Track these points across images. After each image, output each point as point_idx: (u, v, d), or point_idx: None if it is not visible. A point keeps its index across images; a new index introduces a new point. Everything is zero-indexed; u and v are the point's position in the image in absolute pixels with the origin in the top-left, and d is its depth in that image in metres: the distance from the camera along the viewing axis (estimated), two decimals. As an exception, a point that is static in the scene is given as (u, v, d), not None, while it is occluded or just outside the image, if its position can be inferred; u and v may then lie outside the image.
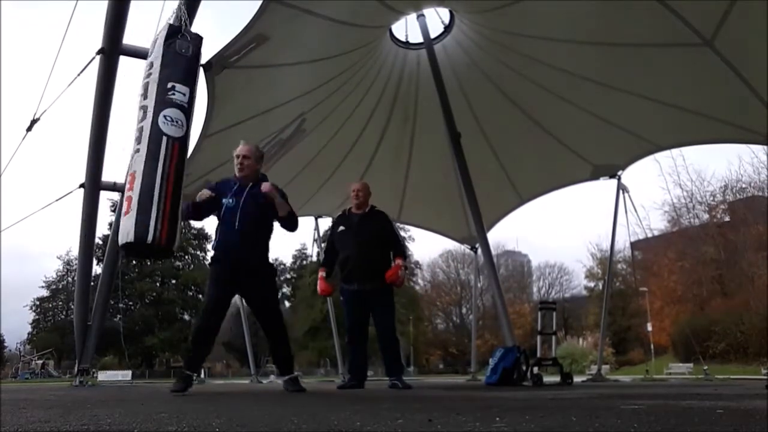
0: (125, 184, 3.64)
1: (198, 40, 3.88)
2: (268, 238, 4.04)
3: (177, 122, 3.60)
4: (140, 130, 3.59)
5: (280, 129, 7.12)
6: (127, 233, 3.45)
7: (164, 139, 3.54)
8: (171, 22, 3.92)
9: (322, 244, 7.97)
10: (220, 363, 46.07)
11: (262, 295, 4.00)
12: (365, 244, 4.74)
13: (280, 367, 4.10)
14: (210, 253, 4.34)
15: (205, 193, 3.85)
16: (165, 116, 3.57)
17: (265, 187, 3.86)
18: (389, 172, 8.77)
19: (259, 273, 3.92)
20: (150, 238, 3.41)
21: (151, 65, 3.74)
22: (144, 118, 3.60)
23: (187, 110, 3.69)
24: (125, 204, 3.53)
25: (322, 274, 5.02)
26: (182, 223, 3.75)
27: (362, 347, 4.93)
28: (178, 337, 41.50)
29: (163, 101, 3.60)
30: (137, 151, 3.57)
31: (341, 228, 4.98)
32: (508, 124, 7.79)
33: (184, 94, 3.68)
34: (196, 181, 7.10)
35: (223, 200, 3.86)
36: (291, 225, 4.08)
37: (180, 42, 3.76)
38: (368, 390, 4.54)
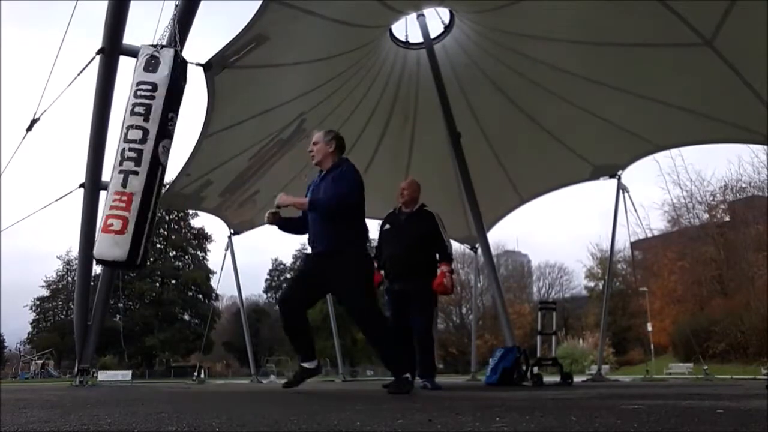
0: (111, 198, 3.77)
1: (185, 65, 4.10)
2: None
3: (167, 151, 3.89)
4: (139, 152, 3.77)
5: (280, 129, 7.12)
6: (119, 252, 3.67)
7: (159, 168, 3.82)
8: (164, 43, 4.08)
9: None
10: (220, 363, 46.08)
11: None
12: (409, 245, 4.67)
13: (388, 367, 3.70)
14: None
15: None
16: (163, 146, 3.83)
17: (280, 199, 3.69)
18: (389, 172, 8.76)
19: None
20: (139, 260, 3.73)
21: (154, 87, 3.86)
22: (144, 141, 3.78)
23: (173, 134, 3.96)
24: (118, 222, 3.68)
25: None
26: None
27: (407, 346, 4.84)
28: (178, 338, 41.52)
29: (163, 132, 3.84)
30: (135, 173, 3.74)
31: (387, 226, 4.92)
32: (508, 124, 7.79)
33: (174, 122, 3.93)
34: (196, 180, 7.12)
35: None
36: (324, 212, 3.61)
37: (176, 70, 3.96)
38: (368, 390, 4.53)
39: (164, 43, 4.06)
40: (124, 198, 3.71)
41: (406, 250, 4.68)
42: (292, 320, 3.67)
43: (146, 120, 3.81)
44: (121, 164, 3.78)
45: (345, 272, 3.53)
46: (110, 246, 3.70)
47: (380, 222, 5.14)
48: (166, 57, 3.93)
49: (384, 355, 3.74)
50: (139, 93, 3.86)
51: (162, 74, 3.89)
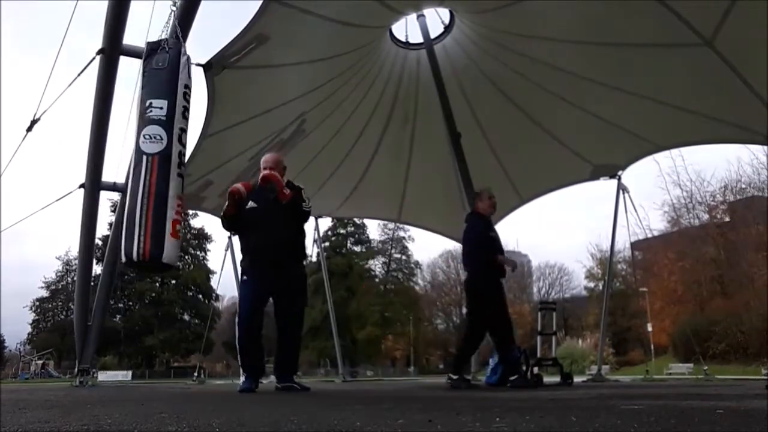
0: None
1: (177, 47, 3.95)
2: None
3: (155, 138, 3.73)
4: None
5: (280, 129, 7.12)
6: (122, 253, 3.70)
7: (144, 157, 3.70)
8: (152, 39, 4.04)
9: (323, 244, 7.98)
10: (220, 363, 46.08)
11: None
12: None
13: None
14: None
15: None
16: (144, 135, 3.73)
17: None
18: (389, 172, 8.77)
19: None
20: (135, 255, 3.59)
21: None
22: (135, 141, 3.79)
23: (166, 122, 3.77)
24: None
25: None
26: (180, 236, 3.93)
27: None
28: (178, 338, 41.55)
29: (142, 121, 3.75)
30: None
31: None
32: (508, 124, 7.78)
33: (161, 108, 3.77)
34: (196, 180, 7.12)
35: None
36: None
37: (157, 57, 3.87)
38: (368, 390, 4.54)
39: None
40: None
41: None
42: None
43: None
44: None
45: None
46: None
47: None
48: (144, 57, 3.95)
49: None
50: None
51: (140, 75, 3.91)
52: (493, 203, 5.39)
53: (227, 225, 4.34)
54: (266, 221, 3.99)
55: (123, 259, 3.69)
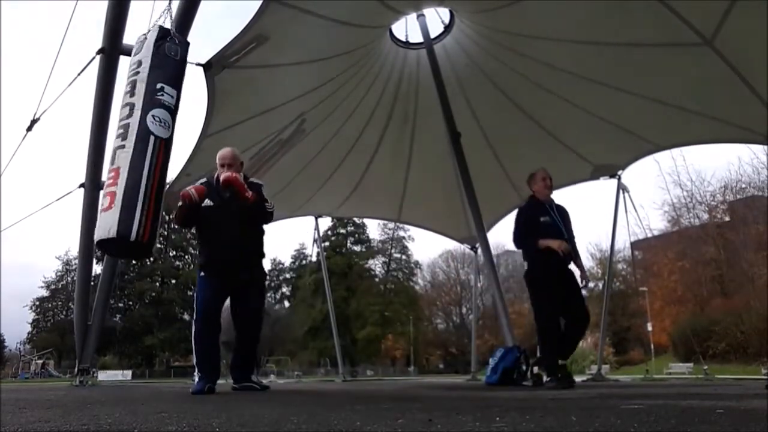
0: (107, 179, 3.60)
1: (185, 45, 3.92)
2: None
3: (164, 123, 3.62)
4: (125, 126, 3.58)
5: (280, 129, 7.12)
6: (108, 229, 3.39)
7: (152, 138, 3.54)
8: (161, 24, 3.97)
9: (323, 244, 7.95)
10: (221, 363, 46.07)
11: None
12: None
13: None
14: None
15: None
16: (153, 116, 3.58)
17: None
18: (389, 172, 8.77)
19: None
20: (133, 235, 3.38)
21: (139, 63, 3.74)
22: (130, 115, 3.59)
23: (174, 112, 3.71)
24: (107, 199, 3.48)
25: None
26: (162, 225, 3.77)
27: None
28: (178, 337, 41.59)
29: (151, 101, 3.62)
30: (122, 147, 3.54)
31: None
32: (508, 124, 7.79)
33: (172, 96, 3.71)
34: (196, 180, 7.12)
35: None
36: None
37: (169, 45, 3.80)
38: (368, 390, 4.54)
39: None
40: (113, 174, 3.50)
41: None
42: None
43: (131, 95, 3.67)
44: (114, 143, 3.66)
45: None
46: (101, 225, 3.47)
47: None
48: (149, 35, 3.84)
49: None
50: (129, 75, 3.79)
51: (146, 51, 3.77)
52: (548, 184, 5.02)
53: (179, 223, 4.16)
54: (224, 220, 3.86)
55: (113, 235, 3.35)
